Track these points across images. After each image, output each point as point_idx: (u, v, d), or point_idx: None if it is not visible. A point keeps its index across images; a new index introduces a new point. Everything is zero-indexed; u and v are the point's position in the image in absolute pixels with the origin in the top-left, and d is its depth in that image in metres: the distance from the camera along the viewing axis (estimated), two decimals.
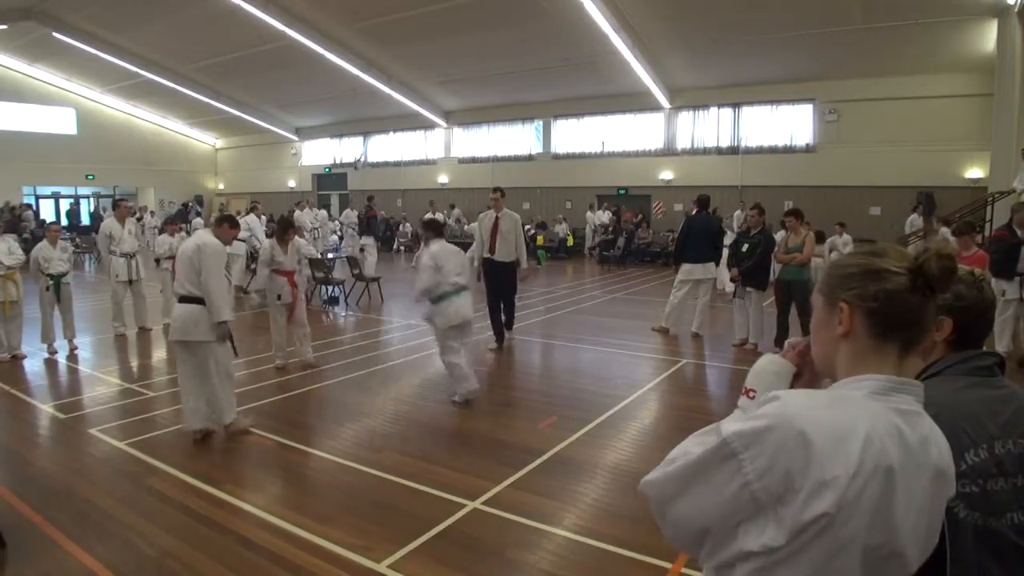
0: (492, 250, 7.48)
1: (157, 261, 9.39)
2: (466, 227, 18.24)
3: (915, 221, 13.58)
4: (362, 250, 13.43)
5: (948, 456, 1.06)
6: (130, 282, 8.47)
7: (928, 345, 1.45)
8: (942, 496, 1.05)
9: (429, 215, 5.80)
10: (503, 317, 7.73)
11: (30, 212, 19.87)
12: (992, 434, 1.34)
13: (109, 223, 8.67)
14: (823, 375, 1.16)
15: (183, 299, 4.59)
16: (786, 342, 1.22)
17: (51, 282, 7.34)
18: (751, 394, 1.15)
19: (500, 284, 7.62)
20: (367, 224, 14.49)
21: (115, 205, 9.08)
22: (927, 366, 1.46)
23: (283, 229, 6.94)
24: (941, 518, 1.06)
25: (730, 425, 0.99)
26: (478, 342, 7.88)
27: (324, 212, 20.49)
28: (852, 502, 0.93)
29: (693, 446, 1.03)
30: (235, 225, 5.03)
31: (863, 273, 1.06)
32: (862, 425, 0.96)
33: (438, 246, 5.52)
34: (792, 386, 1.16)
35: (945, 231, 9.01)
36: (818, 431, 0.93)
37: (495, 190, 7.75)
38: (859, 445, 0.94)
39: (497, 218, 7.49)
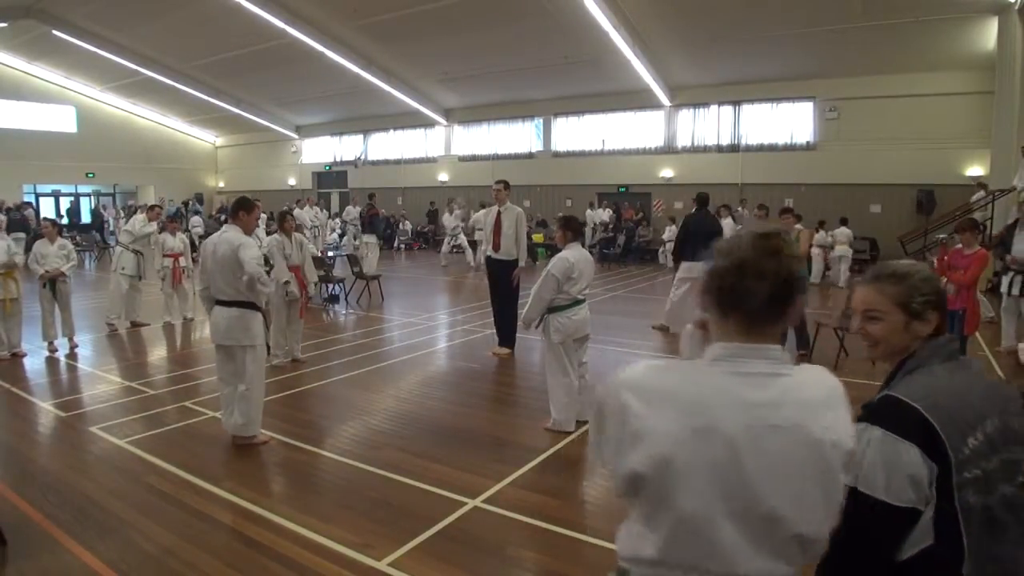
0: (496, 247, 7.15)
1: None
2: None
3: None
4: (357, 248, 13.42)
5: (821, 419, 1.09)
6: (136, 278, 8.67)
7: (909, 342, 1.47)
8: (822, 461, 1.07)
9: (562, 213, 4.82)
10: (504, 326, 7.24)
11: (31, 211, 19.84)
12: (982, 414, 1.35)
13: (142, 218, 8.91)
14: None
15: (221, 303, 4.44)
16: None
17: (47, 278, 7.32)
18: None
19: (500, 286, 7.21)
20: (369, 222, 14.50)
21: (151, 208, 9.31)
22: (905, 359, 1.47)
23: (281, 218, 7.08)
24: (830, 484, 1.09)
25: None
26: (484, 339, 7.90)
27: (324, 212, 20.51)
28: (680, 466, 1.02)
29: None
30: (251, 209, 4.59)
31: (716, 255, 1.16)
32: (686, 389, 1.07)
33: (576, 252, 4.80)
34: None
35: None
36: (635, 392, 1.08)
37: (498, 182, 7.31)
38: (677, 407, 1.05)
39: (499, 213, 7.15)
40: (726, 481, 1.03)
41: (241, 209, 4.57)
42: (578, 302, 4.84)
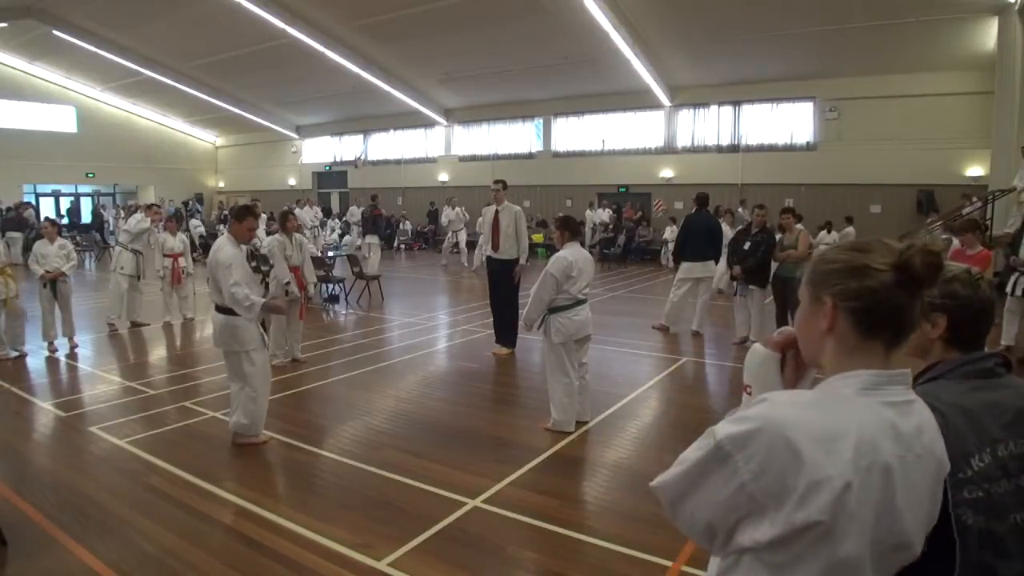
0: (495, 247, 7.15)
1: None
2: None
3: None
4: (359, 248, 13.42)
5: (940, 441, 1.09)
6: (135, 278, 8.67)
7: (925, 343, 1.45)
8: (940, 480, 1.09)
9: (561, 214, 4.98)
10: (505, 326, 7.23)
11: (31, 210, 19.84)
12: (995, 437, 1.32)
13: (140, 216, 8.90)
14: (810, 365, 1.16)
15: (216, 308, 4.51)
16: (776, 332, 1.23)
17: (48, 279, 7.31)
18: (748, 390, 1.18)
19: (499, 285, 7.24)
20: (372, 222, 14.51)
21: (149, 207, 9.33)
22: (927, 367, 1.45)
23: (283, 218, 7.10)
24: (940, 500, 1.10)
25: (723, 428, 1.00)
26: (484, 339, 7.90)
27: (320, 211, 20.51)
28: (852, 508, 0.93)
29: (694, 450, 1.05)
30: (241, 218, 4.60)
31: (847, 269, 1.05)
32: (852, 426, 0.96)
33: (575, 252, 4.79)
34: (782, 374, 1.18)
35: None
36: (804, 434, 0.94)
37: (496, 181, 7.32)
38: (850, 448, 0.94)
39: (497, 212, 7.16)
40: (879, 516, 0.97)
41: (232, 217, 4.69)
42: (579, 302, 4.81)
